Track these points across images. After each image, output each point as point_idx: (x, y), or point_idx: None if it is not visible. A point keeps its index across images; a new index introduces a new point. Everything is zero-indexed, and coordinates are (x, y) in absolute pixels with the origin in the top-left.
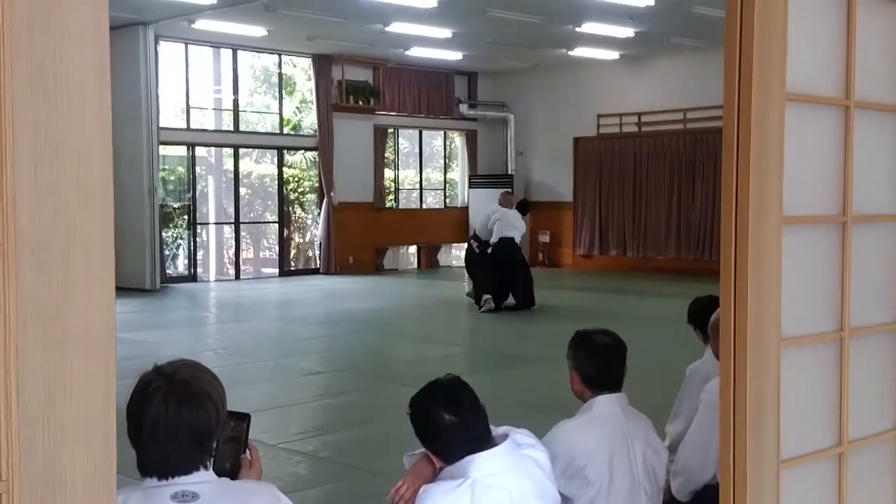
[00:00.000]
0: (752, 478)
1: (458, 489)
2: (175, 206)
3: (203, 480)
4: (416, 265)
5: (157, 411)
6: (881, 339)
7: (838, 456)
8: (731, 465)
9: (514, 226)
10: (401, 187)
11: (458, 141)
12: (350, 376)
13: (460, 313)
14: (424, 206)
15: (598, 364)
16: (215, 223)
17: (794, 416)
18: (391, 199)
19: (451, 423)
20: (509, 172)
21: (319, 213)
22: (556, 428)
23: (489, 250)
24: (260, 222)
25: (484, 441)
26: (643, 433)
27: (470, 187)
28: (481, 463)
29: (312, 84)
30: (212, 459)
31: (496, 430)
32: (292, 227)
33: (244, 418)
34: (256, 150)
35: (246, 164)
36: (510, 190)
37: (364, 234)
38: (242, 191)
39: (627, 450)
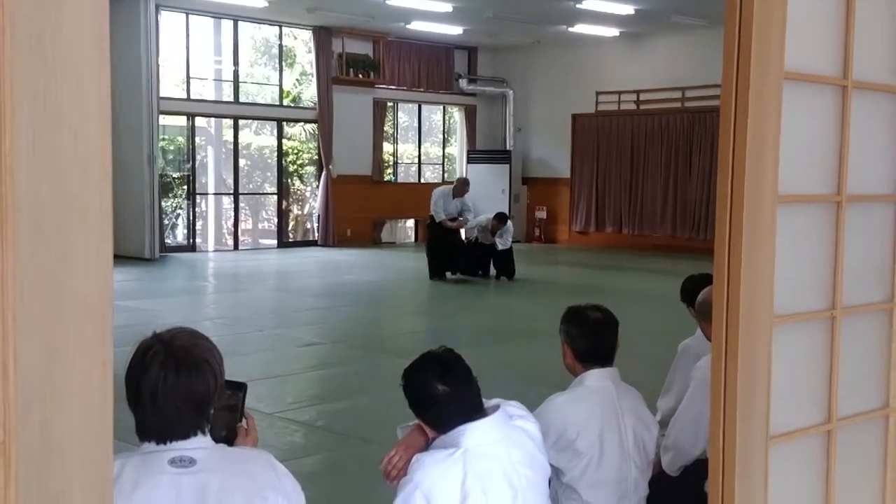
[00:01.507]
0: (742, 454)
1: (450, 458)
2: (175, 175)
3: (200, 446)
4: (413, 239)
5: (156, 376)
6: (872, 318)
7: (827, 433)
8: (720, 441)
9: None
10: (399, 161)
11: (457, 116)
12: (346, 348)
13: (457, 288)
14: (423, 181)
15: (590, 339)
16: (214, 193)
17: (784, 394)
18: (389, 173)
19: (444, 393)
20: (507, 148)
21: (318, 186)
22: (547, 401)
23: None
24: (259, 193)
25: (476, 412)
26: (634, 407)
27: (468, 162)
28: (473, 433)
29: (312, 56)
30: (209, 426)
31: (488, 402)
32: (291, 199)
33: (241, 387)
34: (256, 122)
35: (245, 136)
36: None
37: (362, 207)
38: (242, 162)
39: (618, 423)
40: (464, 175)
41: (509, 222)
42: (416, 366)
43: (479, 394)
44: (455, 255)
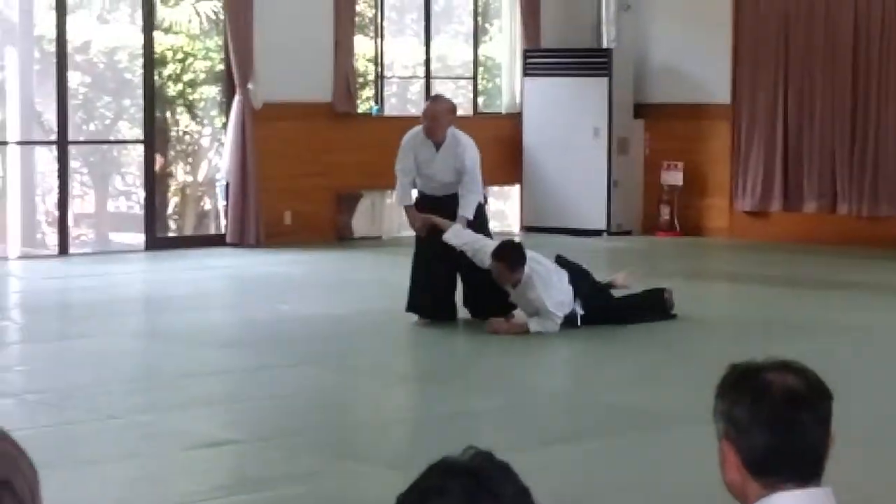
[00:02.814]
0: None
1: None
2: None
3: None
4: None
5: None
6: None
7: None
8: None
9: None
10: (388, 74)
11: None
12: (282, 451)
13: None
14: None
15: (775, 430)
16: (20, 143)
17: None
18: (368, 99)
19: None
20: (604, 46)
21: (225, 127)
22: None
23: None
24: (108, 142)
25: None
26: None
27: (525, 74)
28: None
29: None
30: None
31: None
32: (172, 154)
33: None
34: None
35: (81, 26)
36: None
37: (314, 168)
38: (75, 78)
39: None
40: (516, 97)
41: (530, 269)
42: (422, 489)
43: None
44: (451, 278)
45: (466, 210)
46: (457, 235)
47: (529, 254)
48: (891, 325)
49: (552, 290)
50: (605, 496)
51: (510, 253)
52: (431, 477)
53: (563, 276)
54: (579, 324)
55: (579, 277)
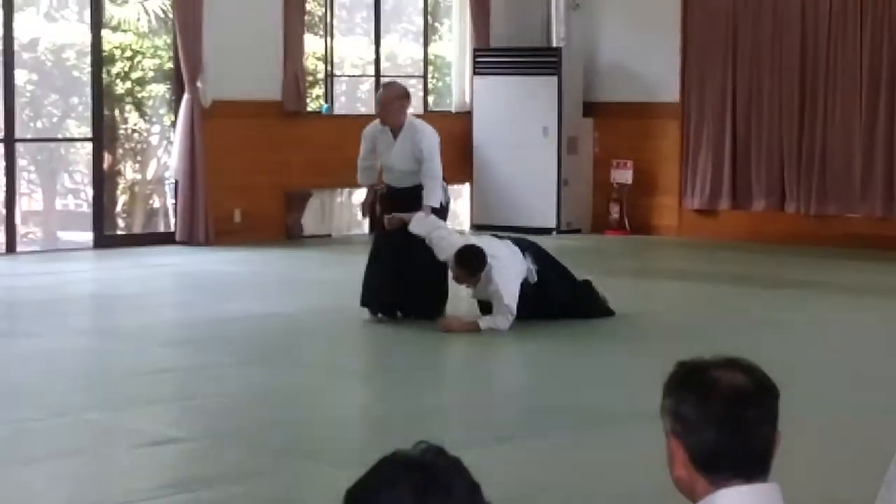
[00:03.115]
0: None
1: None
2: None
3: None
4: (367, 227)
5: None
6: None
7: None
8: None
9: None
10: (338, 73)
11: None
12: (230, 448)
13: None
14: None
15: (722, 427)
16: None
17: None
18: (318, 97)
19: None
20: (553, 44)
21: (174, 125)
22: None
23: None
24: (56, 140)
25: None
26: None
27: (475, 73)
28: None
29: None
30: None
31: None
32: (121, 152)
33: None
34: None
35: (28, 23)
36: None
37: (263, 166)
38: (21, 76)
39: None
40: (466, 96)
41: (488, 266)
42: (372, 482)
43: None
44: (413, 274)
45: (430, 198)
46: (419, 225)
47: (486, 248)
48: (838, 323)
49: (510, 284)
50: (556, 493)
51: (471, 261)
52: (383, 469)
53: (517, 253)
54: (535, 279)
55: (534, 248)
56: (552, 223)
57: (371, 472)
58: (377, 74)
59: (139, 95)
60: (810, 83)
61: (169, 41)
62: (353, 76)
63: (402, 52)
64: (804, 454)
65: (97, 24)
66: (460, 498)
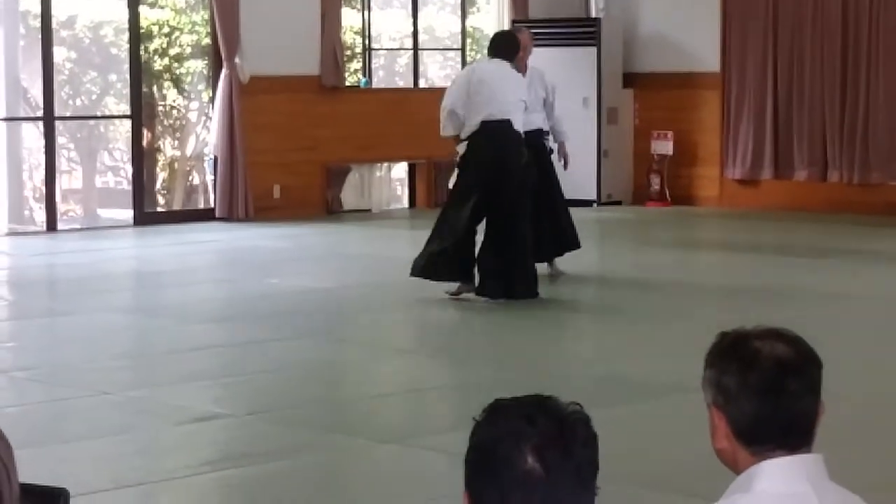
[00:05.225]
0: None
1: None
2: None
3: None
4: (406, 202)
5: None
6: None
7: None
8: None
9: (502, 95)
10: (375, 47)
11: None
12: (272, 425)
13: (492, 301)
14: (423, 85)
15: (764, 399)
16: (6, 119)
17: None
18: (356, 72)
19: (534, 475)
20: (591, 15)
21: (213, 101)
22: None
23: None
24: (95, 117)
25: None
26: None
27: None
28: None
29: None
30: None
31: None
32: (160, 129)
33: (57, 499)
34: None
35: (65, 1)
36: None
37: (302, 142)
38: (60, 53)
39: None
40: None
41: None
42: (500, 414)
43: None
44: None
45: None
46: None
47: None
48: (881, 293)
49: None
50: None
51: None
52: (506, 406)
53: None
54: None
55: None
56: (593, 195)
57: (500, 403)
58: (415, 48)
59: (177, 72)
60: (853, 51)
61: (206, 17)
62: (392, 49)
63: (440, 25)
64: (843, 426)
65: (135, 0)
66: (577, 448)
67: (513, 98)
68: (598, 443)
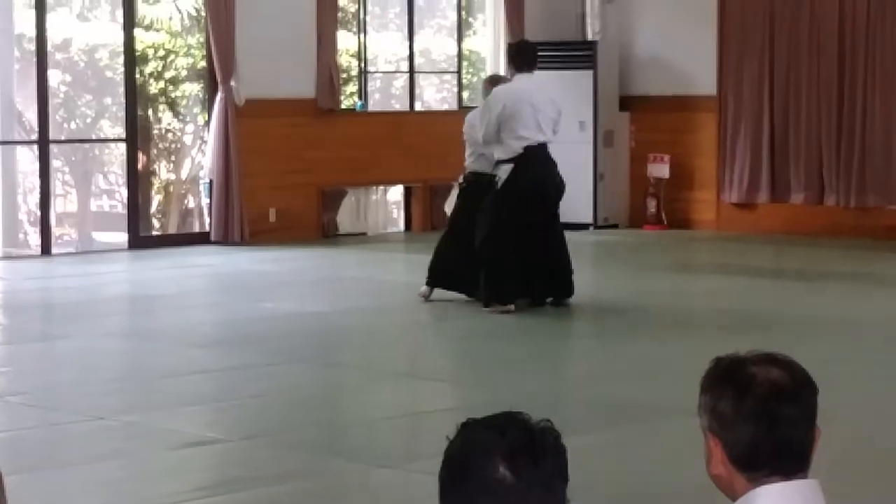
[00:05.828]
0: None
1: None
2: None
3: None
4: (402, 225)
5: None
6: None
7: None
8: None
9: (535, 121)
10: (371, 70)
11: None
12: (267, 449)
13: (488, 324)
14: (419, 108)
15: (760, 424)
16: (0, 143)
17: None
18: (352, 94)
19: (506, 483)
20: (588, 38)
21: (208, 125)
22: None
23: (497, 182)
24: (90, 141)
25: None
26: None
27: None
28: None
29: None
30: None
31: None
32: (155, 152)
33: None
34: None
35: (62, 23)
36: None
37: (298, 165)
38: (55, 77)
39: None
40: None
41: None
42: (471, 429)
43: None
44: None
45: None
46: None
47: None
48: (879, 317)
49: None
50: (597, 490)
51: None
52: (475, 424)
53: None
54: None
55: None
56: (589, 218)
57: (475, 424)
58: (411, 70)
59: (172, 95)
60: (849, 74)
61: (202, 40)
62: (387, 72)
63: (436, 48)
64: (839, 451)
65: (130, 23)
66: (547, 461)
67: (549, 117)
68: (566, 454)
